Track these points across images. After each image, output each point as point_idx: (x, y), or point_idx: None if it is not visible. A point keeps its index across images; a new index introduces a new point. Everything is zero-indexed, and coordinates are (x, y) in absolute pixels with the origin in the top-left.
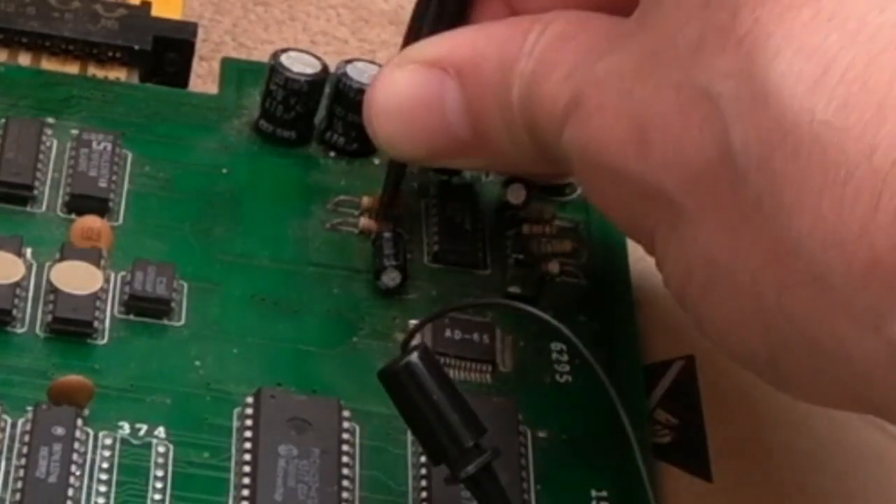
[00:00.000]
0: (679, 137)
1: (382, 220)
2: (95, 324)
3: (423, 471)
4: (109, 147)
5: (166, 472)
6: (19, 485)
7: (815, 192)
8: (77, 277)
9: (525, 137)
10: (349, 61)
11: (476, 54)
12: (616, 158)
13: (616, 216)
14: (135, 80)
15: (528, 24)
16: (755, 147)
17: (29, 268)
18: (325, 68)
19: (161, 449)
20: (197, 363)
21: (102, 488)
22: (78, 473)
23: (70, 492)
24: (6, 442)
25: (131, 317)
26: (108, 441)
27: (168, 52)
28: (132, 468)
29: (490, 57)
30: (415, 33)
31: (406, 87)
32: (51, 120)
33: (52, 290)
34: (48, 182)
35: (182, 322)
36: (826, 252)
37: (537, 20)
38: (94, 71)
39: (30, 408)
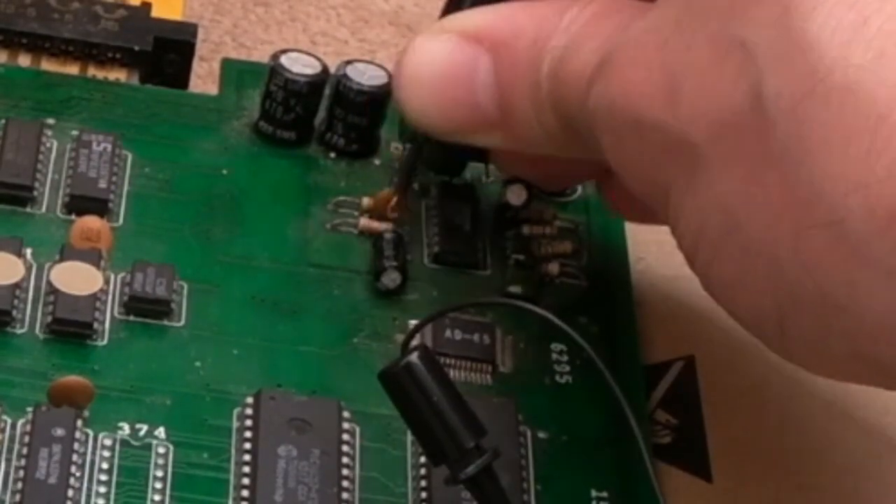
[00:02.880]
0: (711, 86)
1: (398, 207)
2: (95, 325)
3: (423, 472)
4: (109, 148)
5: (166, 473)
6: (19, 486)
7: (843, 138)
8: (77, 278)
9: (550, 116)
10: (349, 62)
11: (514, 30)
12: (644, 109)
13: (634, 173)
14: (135, 81)
15: (567, 2)
16: (787, 94)
17: (29, 269)
18: (325, 69)
19: (161, 450)
20: (197, 364)
21: (102, 489)
22: (78, 474)
23: (70, 493)
24: (6, 443)
25: (131, 318)
26: (108, 442)
27: (168, 53)
28: (132, 469)
29: (526, 34)
30: (455, 4)
31: (439, 58)
32: (51, 121)
33: (52, 290)
34: (48, 183)
35: (182, 323)
36: (849, 196)
37: (577, 1)
38: (94, 72)
39: (30, 409)
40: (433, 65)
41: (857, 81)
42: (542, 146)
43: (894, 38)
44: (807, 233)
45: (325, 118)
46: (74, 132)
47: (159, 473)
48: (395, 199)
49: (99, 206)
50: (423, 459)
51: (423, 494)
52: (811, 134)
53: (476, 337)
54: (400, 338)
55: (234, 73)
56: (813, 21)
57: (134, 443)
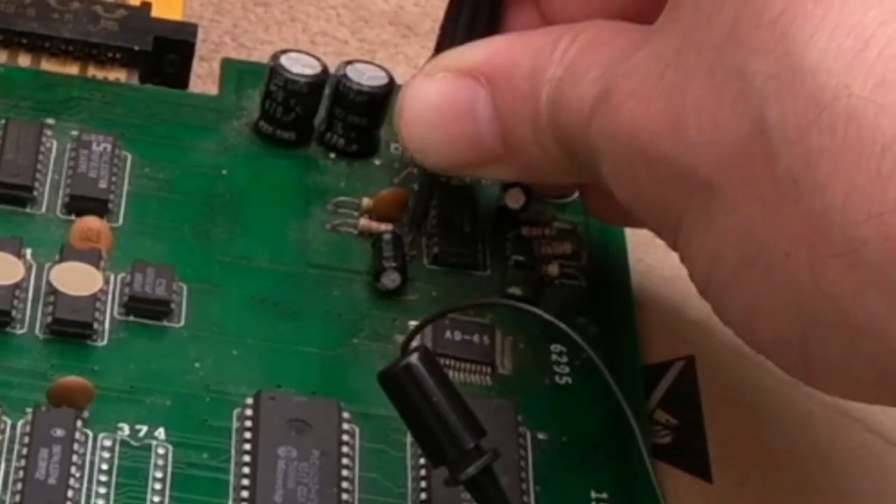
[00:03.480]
0: (713, 117)
1: (412, 228)
2: (95, 325)
3: (423, 472)
4: (109, 148)
5: (166, 474)
6: (19, 486)
7: (850, 166)
8: (77, 279)
9: (553, 145)
10: (349, 62)
11: (509, 63)
12: (648, 143)
13: (643, 206)
14: (135, 80)
15: (561, 32)
16: (791, 123)
17: (28, 269)
18: (324, 69)
19: (161, 450)
20: (196, 365)
21: (102, 490)
22: (77, 475)
23: (70, 493)
24: (6, 443)
25: (131, 318)
26: (108, 442)
27: (168, 53)
28: (132, 470)
29: (522, 66)
30: (447, 40)
31: (437, 96)
32: (51, 121)
33: (52, 291)
34: (48, 183)
35: (182, 323)
36: (861, 225)
37: (569, 29)
38: (93, 72)
39: (29, 409)
40: (432, 103)
41: (860, 110)
42: (548, 175)
43: (894, 62)
44: (824, 261)
45: (324, 118)
46: (74, 132)
47: (159, 474)
48: (410, 236)
49: (99, 207)
50: (422, 460)
51: (423, 495)
52: (818, 164)
53: (476, 338)
54: (400, 338)
55: (234, 73)
56: (812, 47)
57: (134, 443)
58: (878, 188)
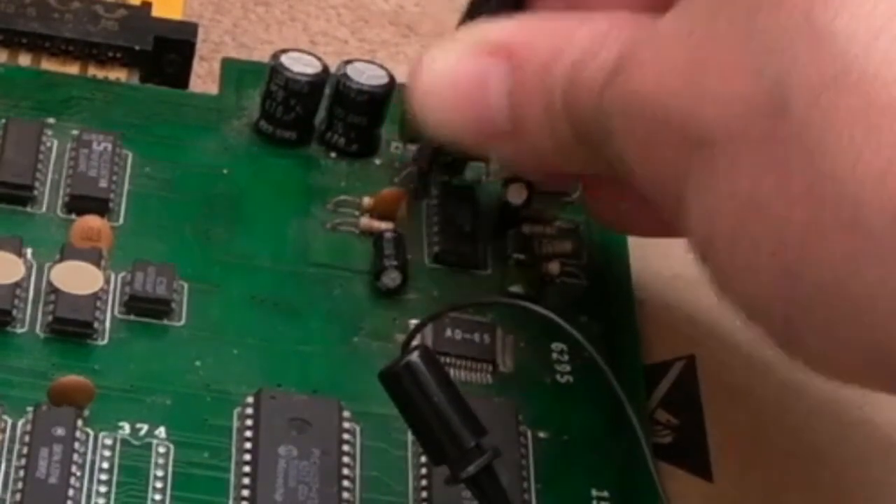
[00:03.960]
0: (734, 78)
1: (416, 197)
2: (95, 324)
3: (424, 471)
4: (109, 147)
5: (166, 473)
6: (19, 485)
7: (862, 129)
8: (77, 278)
9: (563, 125)
10: (349, 62)
11: (529, 43)
12: (663, 100)
13: (649, 169)
14: (135, 80)
15: (583, 17)
16: (808, 84)
17: (29, 268)
18: (325, 69)
19: (161, 449)
20: (197, 364)
21: (103, 489)
22: (78, 474)
23: (70, 492)
24: (6, 443)
25: (131, 317)
26: (109, 441)
27: (168, 53)
28: (132, 469)
29: (541, 47)
30: (472, 16)
31: (452, 68)
32: (51, 120)
33: (53, 290)
34: (48, 182)
35: (182, 322)
36: (866, 187)
37: (590, 17)
38: (94, 71)
39: (30, 408)
40: (447, 75)
41: (880, 75)
42: (552, 158)
43: None
44: (824, 225)
45: (325, 118)
46: (75, 132)
47: (160, 473)
48: (403, 205)
49: (99, 206)
50: (423, 459)
51: (424, 494)
52: (831, 126)
53: (476, 336)
54: (400, 337)
55: (235, 72)
56: (838, 14)
57: (134, 442)
58: (888, 152)
